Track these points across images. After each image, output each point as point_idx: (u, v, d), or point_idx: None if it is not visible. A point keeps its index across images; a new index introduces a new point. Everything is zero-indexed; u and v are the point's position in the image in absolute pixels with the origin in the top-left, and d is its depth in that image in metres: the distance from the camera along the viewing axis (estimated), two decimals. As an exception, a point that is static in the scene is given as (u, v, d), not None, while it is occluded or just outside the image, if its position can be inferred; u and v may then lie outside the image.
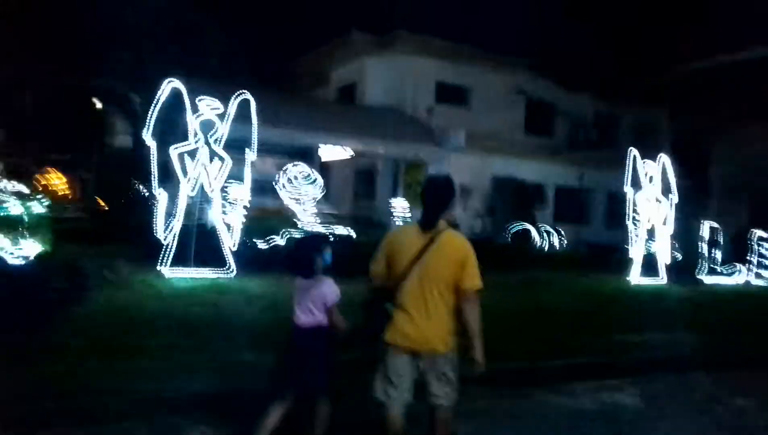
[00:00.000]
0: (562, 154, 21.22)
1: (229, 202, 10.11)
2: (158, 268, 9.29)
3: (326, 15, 22.82)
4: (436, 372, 3.45)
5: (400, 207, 16.48)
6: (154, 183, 9.16)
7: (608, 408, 6.01)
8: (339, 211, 18.93)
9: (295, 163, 13.06)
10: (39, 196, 13.17)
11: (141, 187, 13.49)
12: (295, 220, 12.64)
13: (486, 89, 20.75)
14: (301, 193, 12.36)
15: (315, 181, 12.43)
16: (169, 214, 9.43)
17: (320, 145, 18.70)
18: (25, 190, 12.57)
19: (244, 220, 11.97)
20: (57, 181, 23.14)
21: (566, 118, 21.97)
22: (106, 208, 16.71)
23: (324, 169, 21.09)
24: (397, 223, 16.08)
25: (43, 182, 23.40)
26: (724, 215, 16.50)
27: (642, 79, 20.54)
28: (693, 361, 7.94)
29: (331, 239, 13.08)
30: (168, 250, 9.24)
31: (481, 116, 20.32)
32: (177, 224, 9.26)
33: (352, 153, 18.95)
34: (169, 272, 9.19)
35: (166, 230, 9.24)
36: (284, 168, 12.92)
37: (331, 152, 19.76)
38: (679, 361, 7.91)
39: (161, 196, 9.21)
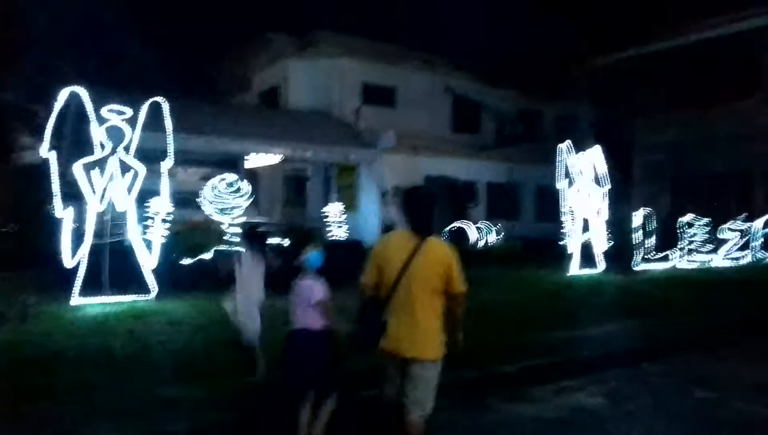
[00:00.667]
0: (490, 151, 21.11)
1: (148, 217, 9.15)
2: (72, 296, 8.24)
3: (243, 16, 21.84)
4: (418, 378, 3.54)
5: (334, 212, 15.80)
6: (56, 201, 8.10)
7: (572, 413, 5.59)
8: (269, 220, 18.07)
9: (221, 173, 12.15)
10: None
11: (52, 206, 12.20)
12: (221, 233, 11.75)
13: (412, 89, 20.35)
14: (227, 204, 11.46)
15: (240, 190, 11.56)
16: (79, 235, 8.40)
17: (246, 152, 17.80)
18: None
19: (165, 235, 11.03)
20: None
21: (492, 114, 21.88)
22: (15, 231, 15.19)
23: (251, 176, 20.14)
24: (331, 228, 15.43)
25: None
26: (649, 202, 16.72)
27: (562, 71, 20.71)
28: (642, 351, 7.72)
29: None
30: (77, 275, 8.20)
31: (409, 116, 19.91)
32: (85, 246, 8.24)
33: (279, 157, 18.11)
34: (79, 300, 8.16)
35: (74, 254, 8.20)
36: (208, 179, 12.01)
37: (259, 159, 18.86)
38: (629, 353, 7.67)
39: (66, 215, 8.16)
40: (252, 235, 5.93)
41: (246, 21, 21.74)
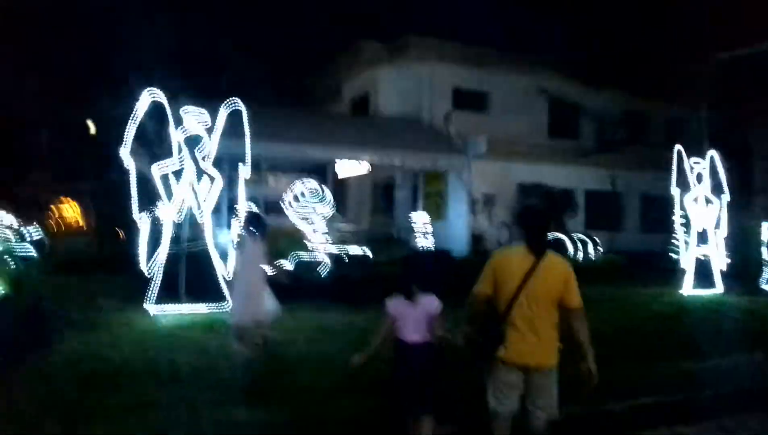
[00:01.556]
0: (591, 157, 19.51)
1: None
2: (145, 304, 7.93)
3: (335, 27, 21.53)
4: (543, 385, 3.67)
5: (421, 221, 15.01)
6: (134, 208, 7.81)
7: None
8: (357, 229, 17.56)
9: (303, 179, 11.70)
10: (29, 229, 12.08)
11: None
12: (305, 241, 11.26)
13: (506, 92, 19.18)
14: (309, 211, 10.96)
15: (324, 197, 11.03)
16: (156, 242, 8.10)
17: (334, 159, 17.40)
18: (15, 223, 11.48)
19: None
20: (70, 210, 22.17)
21: (592, 118, 20.23)
22: (112, 237, 15.56)
23: (340, 185, 19.76)
24: (417, 238, 14.64)
25: (57, 213, 22.47)
26: (774, 213, 14.67)
27: (670, 72, 18.82)
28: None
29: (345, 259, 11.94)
30: (153, 283, 7.88)
31: (502, 121, 18.74)
32: (162, 253, 7.90)
33: (368, 167, 17.56)
34: (155, 309, 7.82)
35: (150, 261, 7.88)
36: (291, 185, 11.61)
37: (347, 168, 18.42)
38: (760, 395, 6.30)
39: (143, 222, 7.86)
40: (252, 219, 6.08)
41: (338, 29, 21.38)
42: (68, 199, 22.81)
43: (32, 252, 11.33)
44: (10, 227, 10.96)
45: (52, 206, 23.12)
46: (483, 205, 17.50)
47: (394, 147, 16.50)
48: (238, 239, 6.57)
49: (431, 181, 17.95)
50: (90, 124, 15.91)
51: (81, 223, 20.11)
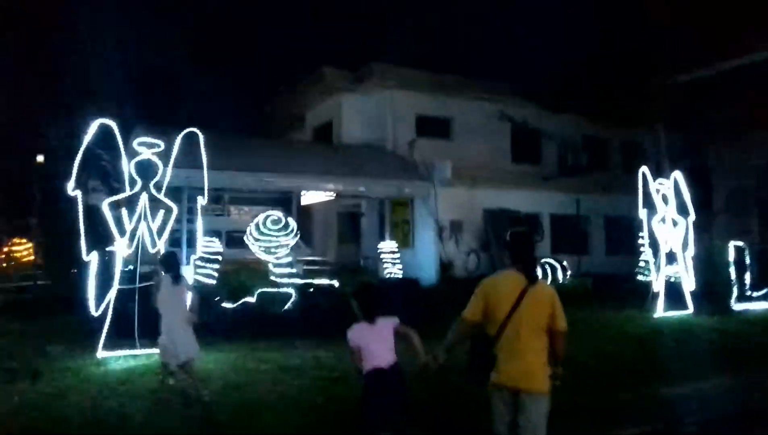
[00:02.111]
0: (554, 181, 19.55)
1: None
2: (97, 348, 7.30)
3: (296, 54, 21.29)
4: (534, 410, 3.60)
5: (389, 249, 14.64)
6: (82, 244, 7.23)
7: None
8: (323, 259, 17.07)
9: (267, 210, 11.23)
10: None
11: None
12: (269, 273, 10.74)
13: (468, 119, 19.11)
14: (273, 243, 10.47)
15: (288, 227, 10.56)
16: (108, 278, 7.51)
17: (299, 189, 16.98)
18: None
19: (207, 278, 10.11)
20: (21, 247, 21.05)
21: (554, 143, 20.34)
22: (65, 275, 14.70)
23: (305, 214, 19.31)
24: (385, 267, 14.26)
25: (6, 250, 21.34)
26: (735, 232, 14.78)
27: (628, 95, 19.08)
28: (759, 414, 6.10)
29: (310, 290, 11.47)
30: (104, 326, 7.26)
31: (465, 147, 18.65)
32: (112, 292, 7.32)
33: (333, 194, 17.19)
34: (105, 353, 7.20)
35: (100, 302, 7.28)
36: (253, 217, 11.13)
37: (312, 196, 18.01)
38: (750, 417, 6.07)
39: (92, 258, 7.28)
40: (168, 259, 6.31)
41: (299, 57, 21.14)
42: (19, 237, 21.71)
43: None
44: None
45: (4, 246, 21.97)
46: (450, 232, 17.24)
47: (359, 174, 16.19)
48: (155, 279, 6.51)
49: (398, 208, 17.65)
50: (38, 155, 15.11)
51: (33, 261, 19.07)
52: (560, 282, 15.25)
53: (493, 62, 20.48)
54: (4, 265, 19.84)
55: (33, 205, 18.17)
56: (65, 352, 7.71)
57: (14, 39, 13.40)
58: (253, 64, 20.95)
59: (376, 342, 4.13)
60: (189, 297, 6.23)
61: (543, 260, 15.76)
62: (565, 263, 15.93)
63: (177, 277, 6.12)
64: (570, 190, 19.14)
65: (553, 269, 15.46)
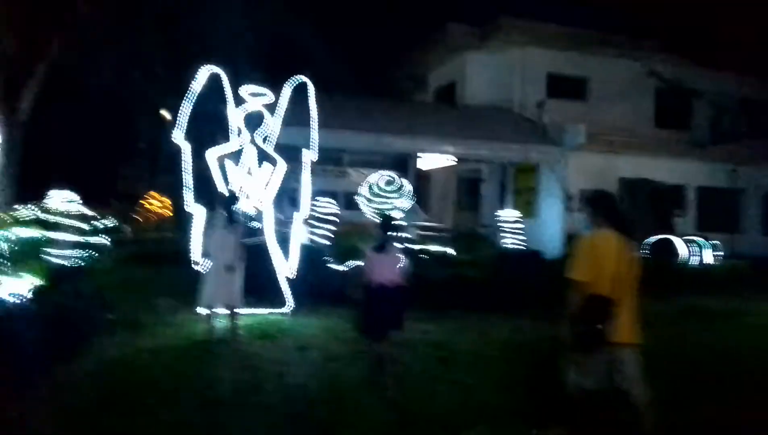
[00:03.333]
0: (705, 149, 17.11)
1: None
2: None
3: (420, 10, 20.14)
4: (633, 363, 3.71)
5: (510, 218, 13.43)
6: (187, 196, 6.90)
7: None
8: (439, 226, 16.20)
9: (381, 171, 10.53)
10: (100, 218, 11.62)
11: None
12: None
13: (606, 78, 17.14)
14: (387, 205, 9.76)
15: (401, 188, 9.79)
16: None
17: (417, 151, 16.15)
18: (88, 212, 11.03)
19: (314, 238, 9.61)
20: (157, 202, 22.20)
21: (707, 105, 17.75)
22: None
23: (423, 179, 18.47)
24: (506, 236, 13.10)
25: (147, 206, 22.61)
26: None
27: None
28: None
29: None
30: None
31: (602, 110, 16.77)
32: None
33: (454, 159, 16.16)
34: (203, 310, 6.85)
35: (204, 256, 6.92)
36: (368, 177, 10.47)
37: (431, 160, 17.10)
38: None
39: (197, 211, 6.94)
40: (230, 201, 6.38)
41: (423, 14, 20.02)
42: (156, 193, 22.90)
43: (104, 241, 10.81)
44: (80, 216, 10.42)
45: (143, 200, 23.32)
46: (580, 202, 15.62)
47: (481, 137, 15.01)
48: (209, 220, 6.62)
49: (522, 175, 16.27)
50: (165, 113, 15.45)
51: (169, 215, 20.00)
52: (710, 263, 13.23)
53: (635, 14, 18.02)
54: (141, 218, 21.00)
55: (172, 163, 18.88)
56: (173, 305, 7.51)
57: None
58: (374, 23, 20.13)
59: (385, 266, 5.12)
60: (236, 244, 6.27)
61: (687, 238, 13.79)
62: (716, 242, 13.82)
63: (232, 220, 6.21)
64: (724, 159, 16.68)
65: (701, 248, 13.45)
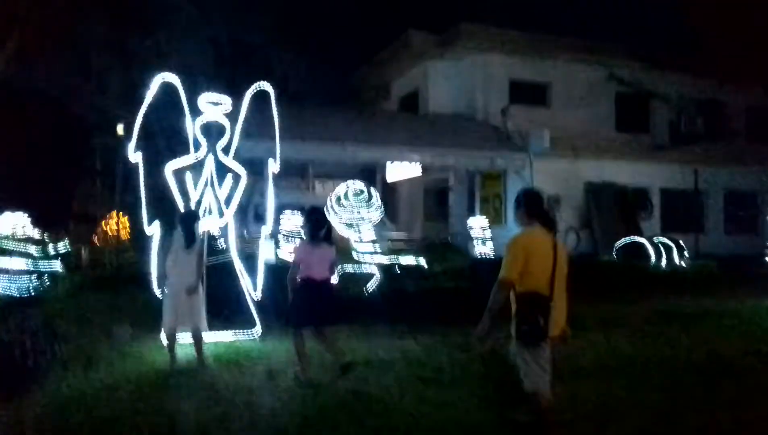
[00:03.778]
0: (666, 152, 17.26)
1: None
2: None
3: (380, 19, 19.92)
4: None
5: (479, 225, 13.17)
6: (144, 214, 6.37)
7: None
8: (409, 236, 15.87)
9: (348, 181, 10.12)
10: (57, 242, 10.91)
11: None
12: (351, 251, 9.65)
13: (568, 83, 17.15)
14: (355, 216, 9.36)
15: (371, 199, 9.41)
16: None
17: (384, 161, 15.85)
18: (36, 236, 10.32)
19: (280, 255, 9.15)
20: (117, 224, 21.22)
21: (666, 108, 17.93)
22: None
23: (390, 190, 18.16)
24: (475, 244, 12.83)
25: (105, 227, 21.56)
26: None
27: (754, 51, 16.38)
28: None
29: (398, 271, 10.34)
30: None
31: (564, 115, 16.77)
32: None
33: (420, 169, 15.89)
34: (166, 339, 6.31)
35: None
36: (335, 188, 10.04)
37: (398, 171, 16.80)
38: None
39: (153, 230, 6.41)
40: (186, 217, 5.99)
41: (385, 23, 19.79)
42: (116, 213, 21.90)
43: (56, 267, 10.11)
44: (30, 240, 9.72)
45: (102, 221, 22.27)
46: (547, 207, 15.53)
47: (447, 145, 14.84)
48: (166, 239, 6.14)
49: (488, 182, 16.14)
50: (119, 127, 14.74)
51: (127, 236, 19.10)
52: (678, 264, 13.22)
53: (592, 18, 18.18)
54: (99, 241, 19.99)
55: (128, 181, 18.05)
56: (132, 333, 6.93)
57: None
58: (335, 32, 19.81)
59: (316, 259, 5.14)
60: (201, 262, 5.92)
61: (656, 239, 13.78)
62: (681, 243, 13.85)
63: (191, 239, 5.75)
64: (684, 161, 16.85)
65: (668, 249, 13.44)
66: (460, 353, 6.31)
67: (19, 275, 9.19)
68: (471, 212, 15.09)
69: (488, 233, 12.95)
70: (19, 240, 9.40)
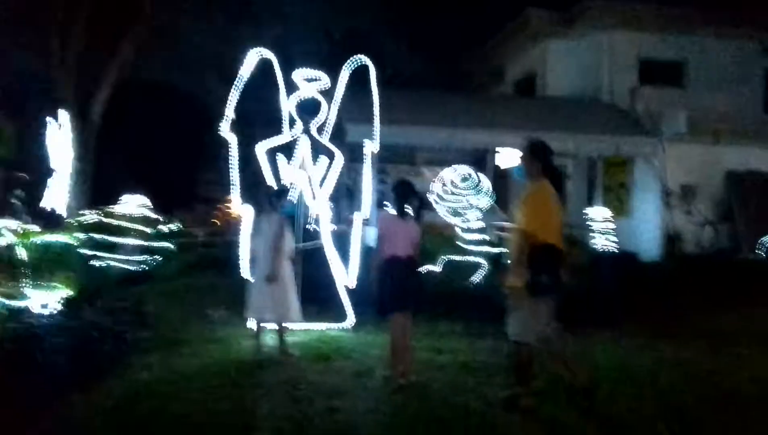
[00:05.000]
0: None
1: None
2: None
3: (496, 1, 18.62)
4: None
5: (600, 217, 11.80)
6: (235, 195, 6.02)
7: None
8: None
9: (455, 166, 9.33)
10: (164, 221, 11.11)
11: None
12: (456, 239, 8.87)
13: (707, 62, 15.04)
14: (462, 203, 8.55)
15: (478, 184, 8.55)
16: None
17: (495, 147, 14.78)
18: (152, 215, 10.50)
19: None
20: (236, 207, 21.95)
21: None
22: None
23: (502, 177, 17.03)
24: (596, 237, 11.51)
25: (224, 208, 22.45)
26: None
27: None
28: None
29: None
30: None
31: (702, 96, 14.68)
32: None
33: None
34: (254, 325, 5.92)
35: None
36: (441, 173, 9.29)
37: (510, 157, 15.64)
38: None
39: (246, 212, 6.04)
40: (279, 193, 5.62)
41: (500, 2, 18.51)
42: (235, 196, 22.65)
43: (168, 246, 10.27)
44: (145, 220, 9.90)
45: (222, 204, 23.21)
46: (680, 198, 13.74)
47: (565, 129, 13.47)
48: (255, 216, 5.65)
49: (612, 170, 14.52)
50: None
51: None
52: None
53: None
54: (218, 222, 20.76)
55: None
56: (225, 316, 6.66)
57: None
58: (449, 14, 18.87)
59: (400, 235, 4.56)
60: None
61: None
62: None
63: (284, 215, 5.44)
64: None
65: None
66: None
67: (133, 253, 9.40)
68: (590, 202, 13.67)
69: (611, 226, 11.59)
70: (134, 219, 9.61)
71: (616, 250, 11.29)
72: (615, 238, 11.49)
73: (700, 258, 12.61)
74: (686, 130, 13.09)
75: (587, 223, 11.81)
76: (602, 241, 11.41)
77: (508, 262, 3.95)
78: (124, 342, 4.90)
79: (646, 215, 13.35)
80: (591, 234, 11.60)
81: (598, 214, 11.80)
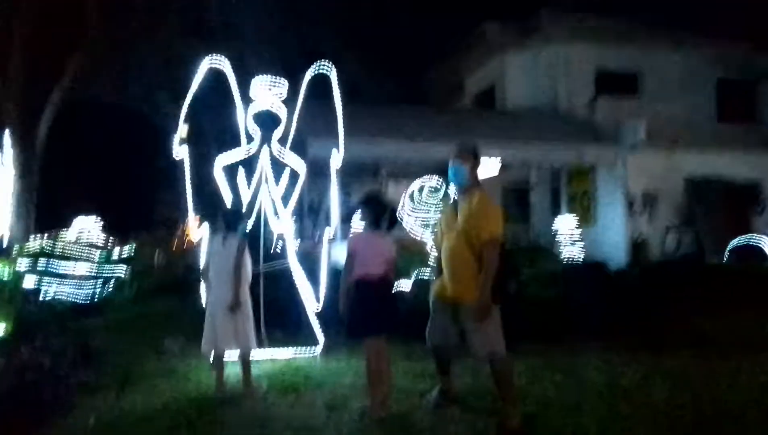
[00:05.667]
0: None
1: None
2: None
3: (451, 15, 18.58)
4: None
5: (566, 226, 11.68)
6: (189, 215, 5.51)
7: None
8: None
9: (423, 177, 8.99)
10: (122, 247, 10.38)
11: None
12: (428, 253, 8.49)
13: (661, 71, 15.28)
14: (430, 215, 8.20)
15: (448, 196, 8.20)
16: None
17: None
18: (99, 242, 9.78)
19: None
20: (195, 228, 21.11)
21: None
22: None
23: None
24: (563, 247, 11.35)
25: (183, 229, 21.53)
26: None
27: None
28: None
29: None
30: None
31: (657, 106, 14.86)
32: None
33: (499, 167, 14.48)
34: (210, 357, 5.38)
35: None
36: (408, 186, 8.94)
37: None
38: None
39: (202, 234, 5.53)
40: (234, 216, 4.95)
41: (457, 16, 18.47)
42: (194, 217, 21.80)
43: (121, 272, 9.57)
44: (94, 245, 9.21)
45: (181, 225, 22.27)
46: (643, 206, 13.77)
47: (527, 139, 13.37)
48: (211, 237, 5.03)
49: (576, 179, 14.50)
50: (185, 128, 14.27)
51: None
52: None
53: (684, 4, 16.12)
54: (177, 245, 19.88)
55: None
56: (184, 346, 6.08)
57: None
58: (406, 31, 18.71)
59: (372, 251, 4.18)
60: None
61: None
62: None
63: (242, 239, 4.79)
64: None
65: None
66: (566, 378, 5.02)
67: (82, 281, 8.70)
68: (555, 212, 13.57)
69: (577, 235, 11.47)
70: (83, 245, 8.93)
71: (583, 260, 11.16)
72: (582, 247, 11.37)
73: (666, 264, 12.59)
74: (645, 139, 13.13)
75: (554, 232, 11.68)
76: (570, 250, 11.26)
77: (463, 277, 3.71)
78: (65, 384, 4.31)
79: (610, 223, 13.31)
80: (559, 244, 11.46)
81: (564, 224, 11.67)
